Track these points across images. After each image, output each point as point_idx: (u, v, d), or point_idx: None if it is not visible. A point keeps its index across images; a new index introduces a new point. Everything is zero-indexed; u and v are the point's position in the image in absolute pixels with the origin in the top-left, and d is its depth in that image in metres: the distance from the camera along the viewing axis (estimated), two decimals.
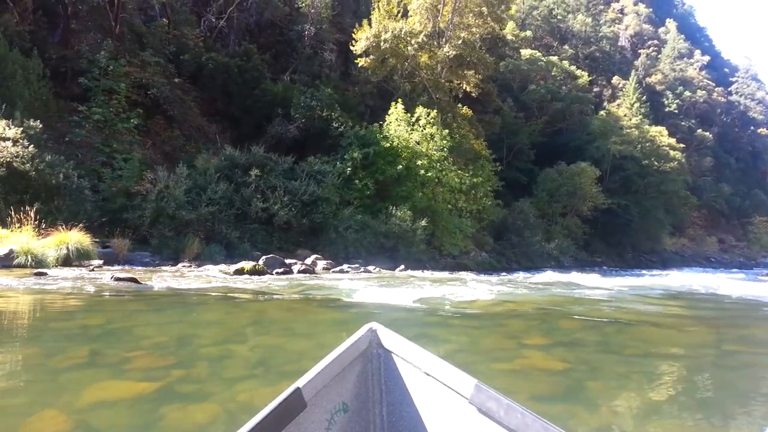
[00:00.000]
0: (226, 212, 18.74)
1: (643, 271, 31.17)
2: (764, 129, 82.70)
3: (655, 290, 13.38)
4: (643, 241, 44.26)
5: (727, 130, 76.06)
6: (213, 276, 10.69)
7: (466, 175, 26.32)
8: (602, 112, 48.41)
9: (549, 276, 19.87)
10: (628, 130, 44.59)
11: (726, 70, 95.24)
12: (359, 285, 9.95)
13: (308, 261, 15.49)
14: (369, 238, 21.71)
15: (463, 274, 18.42)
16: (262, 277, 10.76)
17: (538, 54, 48.78)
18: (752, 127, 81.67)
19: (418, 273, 17.14)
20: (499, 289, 10.87)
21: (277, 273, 11.78)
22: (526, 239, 30.38)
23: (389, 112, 24.79)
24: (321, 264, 14.83)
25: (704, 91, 73.21)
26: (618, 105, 56.58)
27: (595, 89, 64.01)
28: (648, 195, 44.59)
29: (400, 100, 24.97)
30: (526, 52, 47.79)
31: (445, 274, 17.70)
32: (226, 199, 19.11)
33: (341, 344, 1.56)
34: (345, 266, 14.73)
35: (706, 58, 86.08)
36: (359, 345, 1.60)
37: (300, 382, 1.41)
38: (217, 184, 18.84)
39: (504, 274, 22.28)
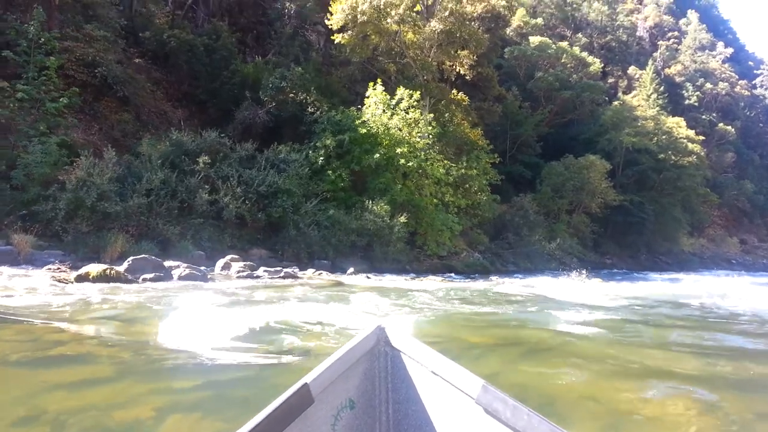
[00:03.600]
0: (167, 204, 16.31)
1: (654, 275, 28.15)
2: None
3: (653, 307, 10.51)
4: (659, 241, 41.02)
5: (751, 124, 72.00)
6: (35, 285, 8.03)
7: (454, 165, 23.56)
8: (616, 103, 45.20)
9: (529, 283, 17.01)
10: (644, 122, 41.35)
11: (750, 63, 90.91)
12: (221, 300, 7.32)
13: (221, 262, 12.84)
14: (339, 236, 19.16)
15: (428, 281, 15.64)
16: (112, 285, 8.18)
17: (549, 41, 45.65)
18: None
19: (360, 280, 14.08)
20: (418, 307, 8.15)
21: (145, 279, 9.14)
22: (524, 238, 27.57)
23: (367, 94, 22.11)
24: (237, 266, 12.18)
25: (727, 83, 69.21)
26: (633, 96, 53.19)
27: (610, 80, 60.71)
28: (664, 191, 41.38)
29: (379, 80, 22.25)
30: (535, 39, 44.71)
31: (400, 281, 14.81)
32: (169, 189, 16.67)
33: (349, 341, 1.54)
34: (262, 270, 12.04)
35: (730, 50, 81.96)
36: (367, 342, 1.59)
37: (308, 378, 1.39)
38: (155, 172, 16.36)
39: (484, 278, 19.54)
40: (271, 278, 11.30)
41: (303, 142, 22.18)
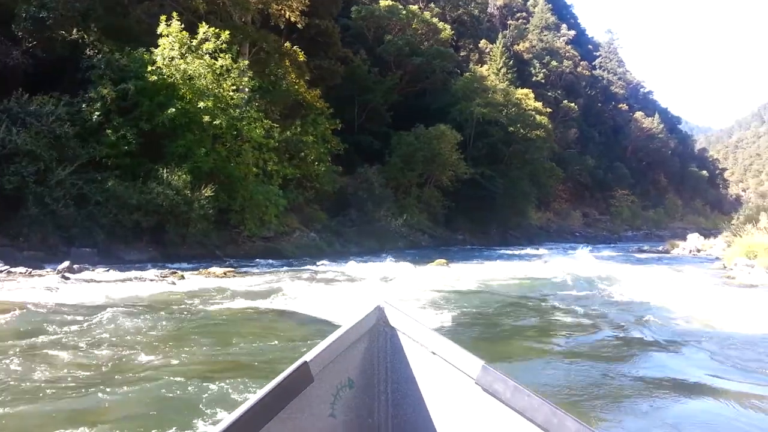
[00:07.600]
0: None
1: (504, 250, 26.31)
2: (624, 104, 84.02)
3: (486, 297, 7.47)
4: (510, 215, 40.13)
5: (591, 103, 75.60)
6: None
7: (277, 127, 19.53)
8: (467, 74, 43.67)
9: (341, 272, 13.67)
10: (494, 93, 40.13)
11: (590, 46, 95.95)
12: None
13: None
14: (114, 215, 14.43)
15: (196, 276, 11.49)
16: None
17: (399, 6, 42.76)
18: (614, 102, 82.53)
19: (48, 282, 9.07)
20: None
21: None
22: (368, 214, 24.38)
23: (159, 31, 17.23)
24: None
25: (571, 62, 71.93)
26: (485, 70, 52.46)
27: (462, 53, 59.68)
28: (513, 165, 40.63)
29: (175, 14, 17.46)
30: (385, 2, 41.57)
31: (145, 283, 9.86)
32: None
33: (348, 321, 1.51)
34: None
35: (572, 32, 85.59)
36: (366, 322, 1.57)
37: (307, 357, 1.37)
38: None
39: (311, 263, 15.94)
40: None
41: (78, 94, 16.94)
